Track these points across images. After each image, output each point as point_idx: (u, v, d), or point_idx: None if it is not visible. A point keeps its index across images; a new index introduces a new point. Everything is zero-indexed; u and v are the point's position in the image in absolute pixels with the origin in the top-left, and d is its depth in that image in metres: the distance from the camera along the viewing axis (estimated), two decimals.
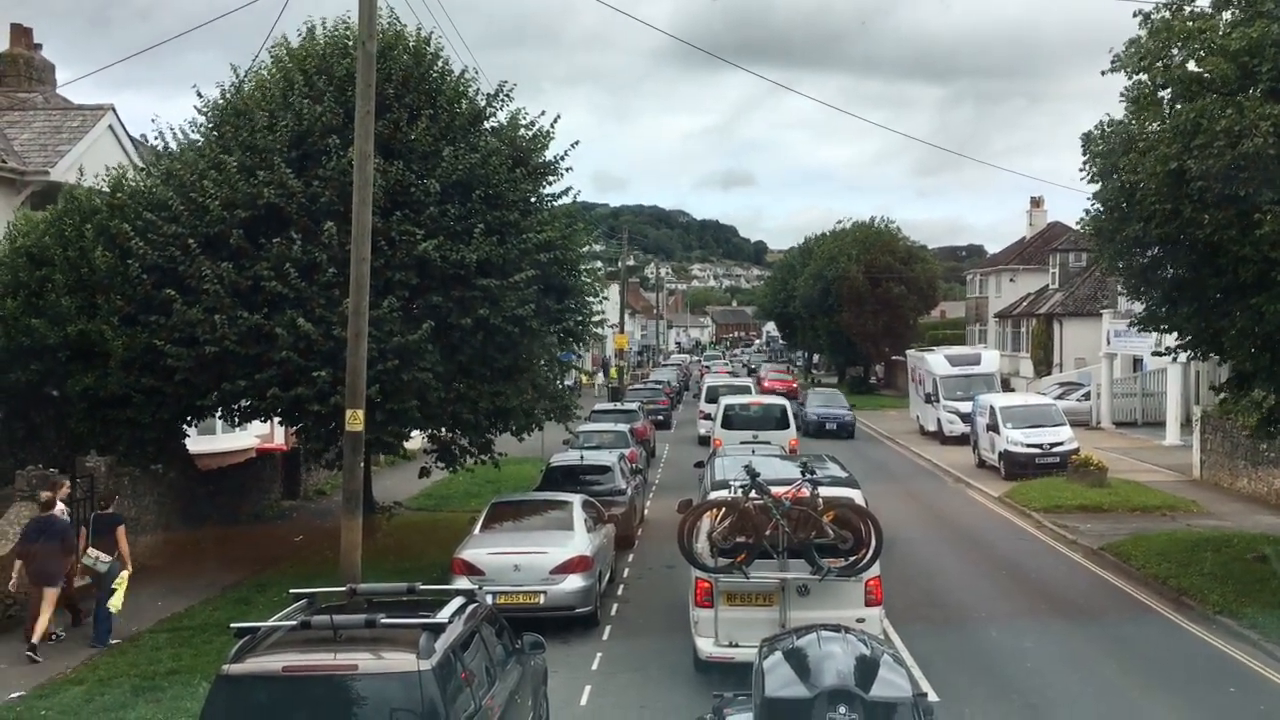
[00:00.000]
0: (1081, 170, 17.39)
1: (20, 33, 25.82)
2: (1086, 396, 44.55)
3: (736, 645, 12.47)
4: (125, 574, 15.03)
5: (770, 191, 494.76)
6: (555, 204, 20.46)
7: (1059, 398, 40.88)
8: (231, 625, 8.91)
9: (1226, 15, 15.44)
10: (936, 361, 42.90)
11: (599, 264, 25.96)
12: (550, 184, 20.09)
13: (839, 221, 78.33)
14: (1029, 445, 30.86)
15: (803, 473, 13.09)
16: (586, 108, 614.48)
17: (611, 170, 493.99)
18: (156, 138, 19.69)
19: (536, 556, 15.58)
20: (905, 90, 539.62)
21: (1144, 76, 16.04)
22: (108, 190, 18.67)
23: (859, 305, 65.96)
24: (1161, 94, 16.05)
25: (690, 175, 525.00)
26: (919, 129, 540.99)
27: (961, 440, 37.55)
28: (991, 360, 43.83)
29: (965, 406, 37.56)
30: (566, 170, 20.09)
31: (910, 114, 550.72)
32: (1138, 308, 19.44)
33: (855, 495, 13.31)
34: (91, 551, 14.97)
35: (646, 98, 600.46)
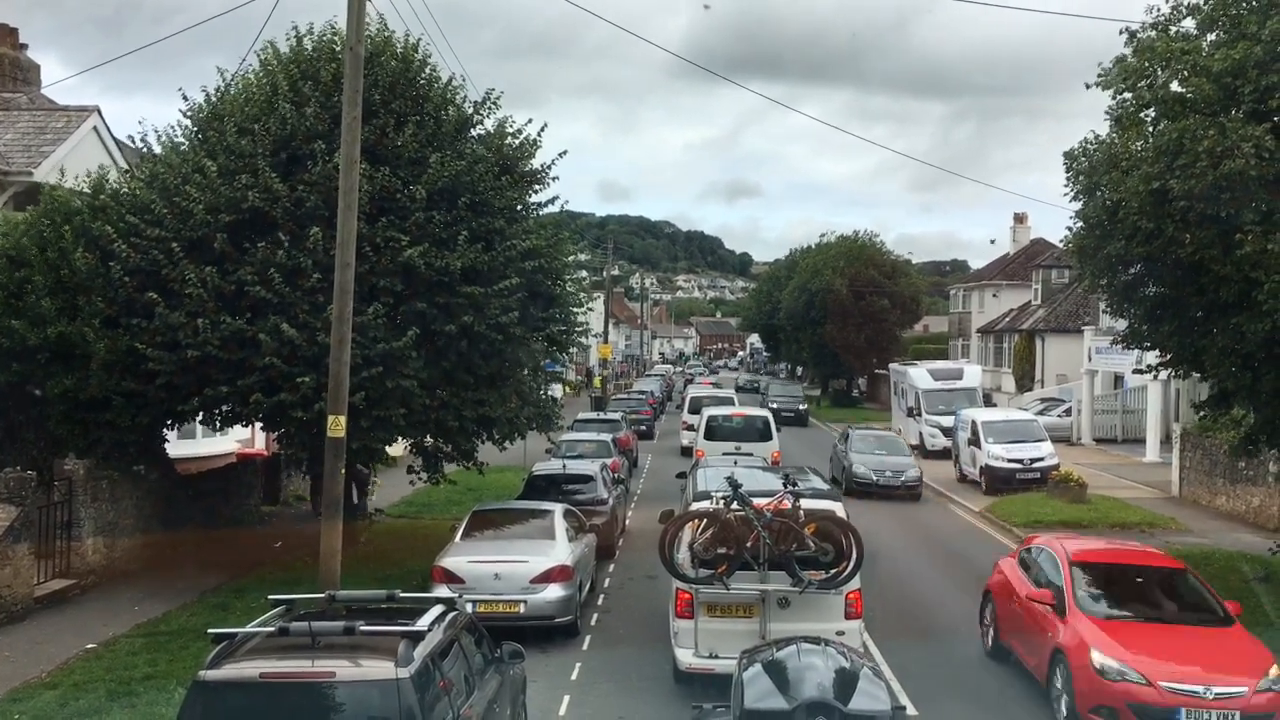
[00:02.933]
0: (1065, 188, 17.52)
1: (5, 32, 25.67)
2: (1068, 412, 44.76)
3: (716, 656, 12.47)
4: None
5: (770, 204, 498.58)
6: (541, 212, 20.47)
7: (1040, 413, 41.10)
8: (209, 631, 8.86)
9: (1211, 37, 15.58)
10: (919, 375, 43.03)
11: (584, 273, 25.99)
12: (536, 192, 20.11)
13: (822, 235, 78.75)
14: (1010, 460, 30.98)
15: (784, 485, 13.11)
16: (592, 118, 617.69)
17: (614, 180, 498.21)
18: (140, 140, 19.64)
19: (517, 565, 15.55)
20: (909, 106, 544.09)
21: (1128, 95, 16.16)
22: (88, 192, 18.57)
23: (843, 318, 66.16)
24: (1145, 113, 16.17)
25: (690, 187, 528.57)
26: (921, 144, 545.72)
27: (943, 454, 37.65)
28: (974, 375, 43.98)
29: (947, 421, 37.66)
30: (553, 179, 20.12)
31: (914, 129, 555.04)
32: (1119, 325, 19.56)
33: (837, 508, 13.35)
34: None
35: (652, 109, 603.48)
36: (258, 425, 21.59)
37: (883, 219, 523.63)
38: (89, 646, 14.67)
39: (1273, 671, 11.59)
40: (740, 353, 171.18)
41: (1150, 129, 16.01)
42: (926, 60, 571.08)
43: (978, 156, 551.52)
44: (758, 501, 12.59)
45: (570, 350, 24.33)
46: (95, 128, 23.36)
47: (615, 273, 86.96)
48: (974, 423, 32.81)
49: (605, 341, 69.54)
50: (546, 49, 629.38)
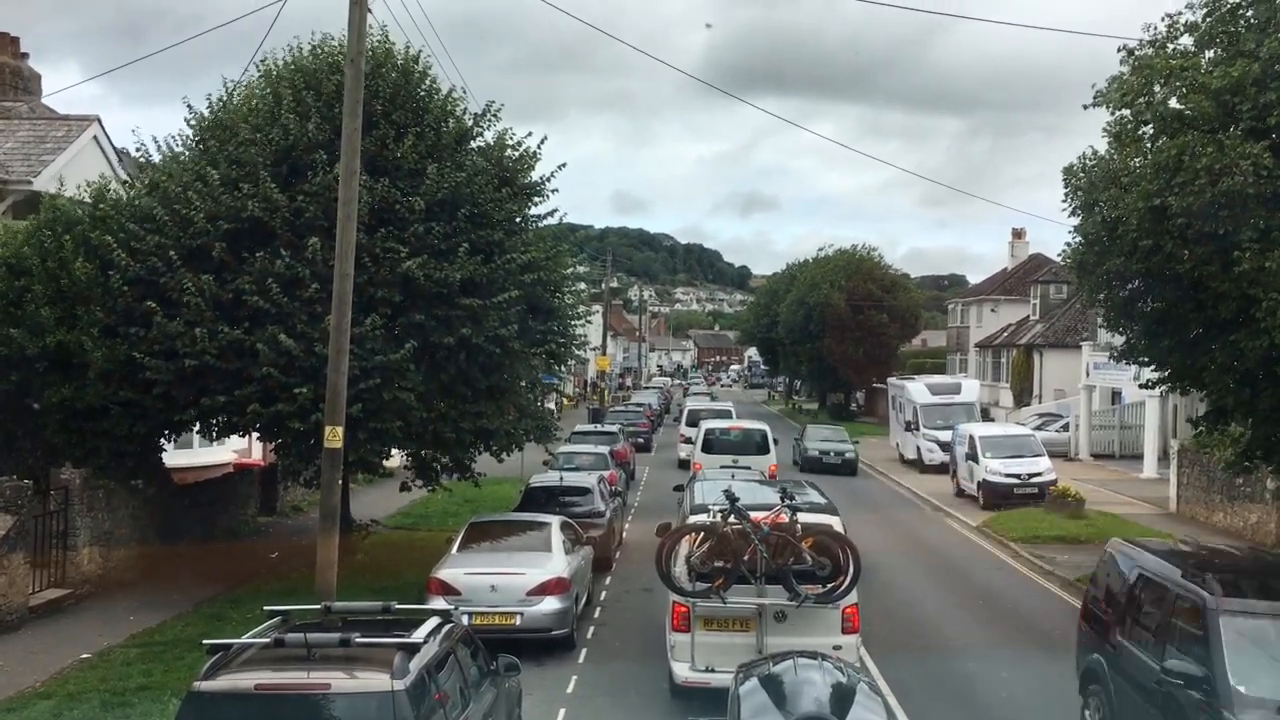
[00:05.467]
0: (1063, 204, 17.54)
1: (6, 41, 25.73)
2: (1065, 428, 44.76)
3: (713, 670, 12.43)
4: None
5: (781, 218, 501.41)
6: (540, 225, 20.50)
7: (1038, 428, 41.07)
8: (204, 641, 8.84)
9: (1209, 54, 15.61)
10: (917, 390, 43.02)
11: (583, 286, 26.01)
12: (536, 205, 20.13)
13: (820, 248, 78.75)
14: (1008, 475, 30.97)
15: (782, 498, 13.10)
16: (607, 132, 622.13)
17: (627, 192, 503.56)
18: (138, 150, 19.67)
19: (513, 577, 15.52)
20: (924, 121, 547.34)
21: (1126, 112, 16.19)
22: (90, 201, 18.58)
23: (841, 332, 66.16)
24: (1143, 130, 16.20)
25: (702, 200, 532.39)
26: (935, 159, 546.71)
27: (941, 469, 37.62)
28: (971, 390, 44.00)
29: (945, 435, 37.63)
30: (553, 191, 20.14)
31: (928, 145, 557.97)
32: (1117, 340, 19.54)
33: (834, 522, 13.33)
34: None
35: (667, 124, 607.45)
36: (255, 435, 21.59)
37: (894, 233, 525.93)
38: (84, 656, 14.63)
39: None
40: (734, 366, 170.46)
41: (1149, 146, 16.03)
42: (941, 77, 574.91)
43: (990, 172, 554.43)
44: (755, 515, 12.57)
45: (569, 363, 24.34)
46: (95, 137, 23.39)
47: (614, 285, 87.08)
48: (972, 437, 32.80)
49: (604, 354, 69.53)
50: (565, 64, 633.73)
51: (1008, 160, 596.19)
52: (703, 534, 12.65)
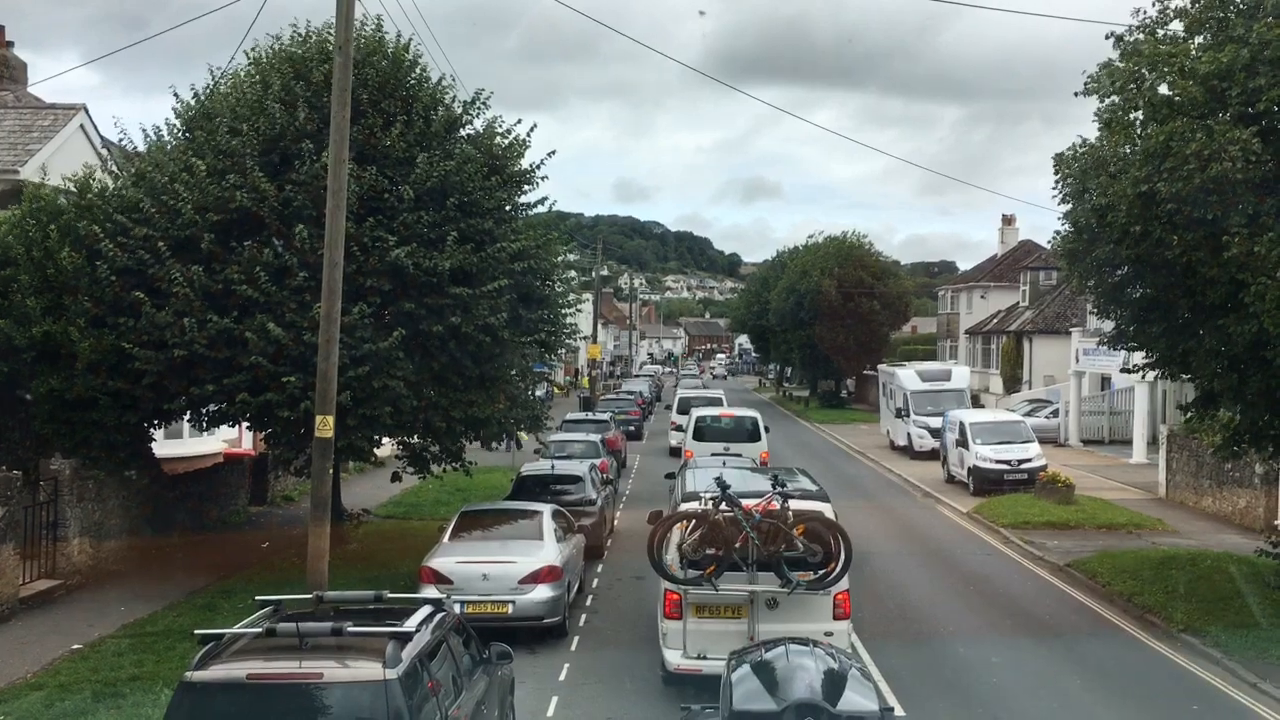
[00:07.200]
0: (1054, 191, 17.56)
1: None
2: (1055, 414, 44.88)
3: (705, 657, 12.48)
4: None
5: (782, 207, 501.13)
6: (530, 213, 20.46)
7: (1028, 415, 41.17)
8: (195, 631, 8.84)
9: (1198, 39, 15.61)
10: (907, 377, 43.08)
11: (573, 274, 25.99)
12: (525, 193, 20.08)
13: (811, 235, 78.68)
14: (998, 461, 31.04)
15: (773, 486, 13.11)
16: (607, 121, 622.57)
17: (627, 181, 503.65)
18: (123, 139, 19.57)
19: (505, 566, 15.53)
20: (926, 109, 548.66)
21: (1116, 99, 16.19)
22: (75, 190, 18.48)
23: (832, 319, 66.11)
24: (1133, 116, 16.20)
25: (703, 189, 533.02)
26: (935, 147, 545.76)
27: (931, 455, 37.72)
28: (962, 376, 44.06)
29: (935, 422, 37.72)
30: (542, 179, 20.09)
31: (928, 132, 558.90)
32: (1107, 326, 19.60)
33: (825, 509, 13.34)
34: None
35: (668, 112, 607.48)
36: (245, 425, 21.55)
37: (893, 220, 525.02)
38: (75, 647, 14.61)
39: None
40: (719, 355, 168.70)
41: (1138, 132, 16.03)
42: (943, 64, 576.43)
43: (991, 160, 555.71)
44: (746, 502, 12.59)
45: (559, 351, 24.33)
46: (82, 125, 23.26)
47: (605, 273, 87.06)
48: (962, 424, 32.85)
49: (594, 342, 69.51)
50: (566, 53, 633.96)
51: (1008, 148, 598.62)
52: (694, 521, 12.66)
